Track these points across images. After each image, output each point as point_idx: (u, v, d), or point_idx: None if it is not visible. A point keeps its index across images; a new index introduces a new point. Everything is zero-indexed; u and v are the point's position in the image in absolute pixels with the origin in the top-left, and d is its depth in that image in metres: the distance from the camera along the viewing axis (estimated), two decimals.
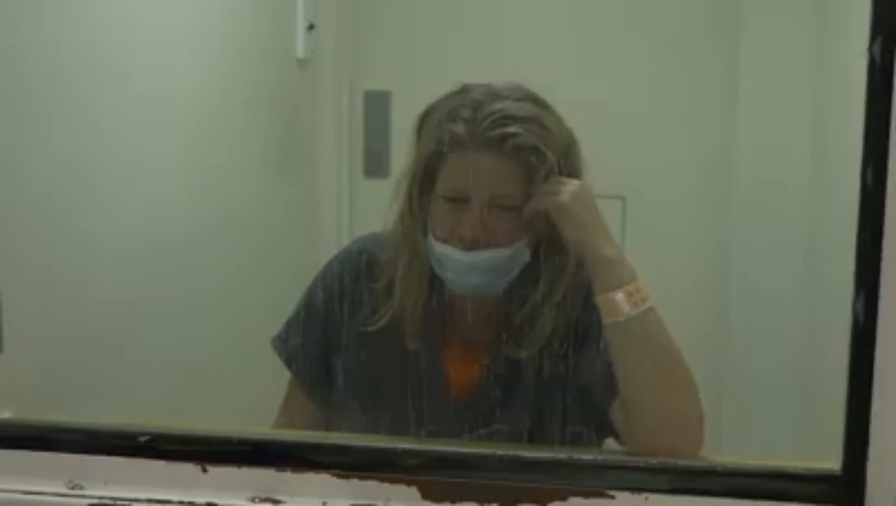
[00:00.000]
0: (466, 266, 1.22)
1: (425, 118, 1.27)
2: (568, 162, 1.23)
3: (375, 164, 2.72)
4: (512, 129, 1.19)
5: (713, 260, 2.71)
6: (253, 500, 0.91)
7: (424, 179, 1.25)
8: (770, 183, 2.61)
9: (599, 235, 1.15)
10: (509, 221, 1.21)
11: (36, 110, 1.55)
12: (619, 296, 1.10)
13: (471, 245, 1.21)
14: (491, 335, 1.30)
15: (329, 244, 2.57)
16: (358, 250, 1.36)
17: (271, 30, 2.52)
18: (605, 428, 1.23)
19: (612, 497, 0.87)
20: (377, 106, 2.72)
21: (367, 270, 1.32)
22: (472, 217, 1.20)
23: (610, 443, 1.25)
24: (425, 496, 0.90)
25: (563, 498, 0.88)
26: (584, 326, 1.24)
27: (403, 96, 2.69)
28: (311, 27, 2.59)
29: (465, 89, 1.25)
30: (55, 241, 1.60)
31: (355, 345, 1.32)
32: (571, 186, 1.19)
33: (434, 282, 1.28)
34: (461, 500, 0.89)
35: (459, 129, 1.20)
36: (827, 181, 2.43)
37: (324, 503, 0.90)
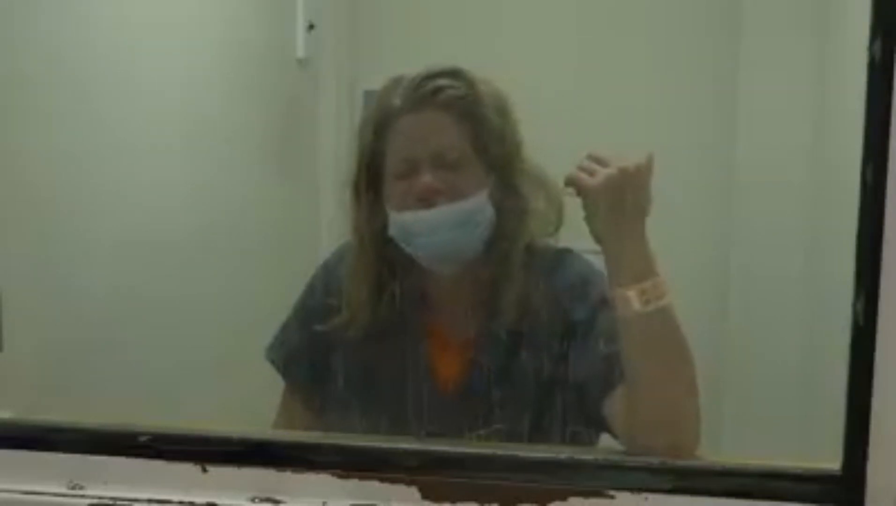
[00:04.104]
0: (430, 224, 1.22)
1: (362, 118, 1.31)
2: (505, 119, 1.25)
3: None
4: (441, 82, 1.22)
5: (713, 260, 2.71)
6: (253, 500, 0.91)
7: (371, 168, 1.27)
8: (770, 182, 2.61)
9: (625, 225, 1.10)
10: (463, 176, 1.22)
11: (36, 111, 1.55)
12: (632, 293, 1.09)
13: (431, 201, 1.21)
14: (470, 320, 1.30)
15: (329, 244, 2.57)
16: (342, 255, 1.36)
17: (271, 30, 2.52)
18: (599, 424, 1.22)
19: (612, 497, 0.87)
20: None
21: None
22: (424, 176, 1.21)
23: (609, 443, 1.25)
24: (425, 496, 0.90)
25: (563, 498, 0.88)
26: (574, 320, 1.23)
27: None
28: (311, 27, 2.59)
29: (395, 78, 1.28)
30: (55, 241, 1.60)
31: (344, 348, 1.32)
32: (608, 169, 1.10)
33: (408, 271, 1.28)
34: (461, 500, 0.89)
35: (393, 101, 1.24)
36: (827, 181, 2.43)
37: (324, 503, 0.90)
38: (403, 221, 1.24)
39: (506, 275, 1.26)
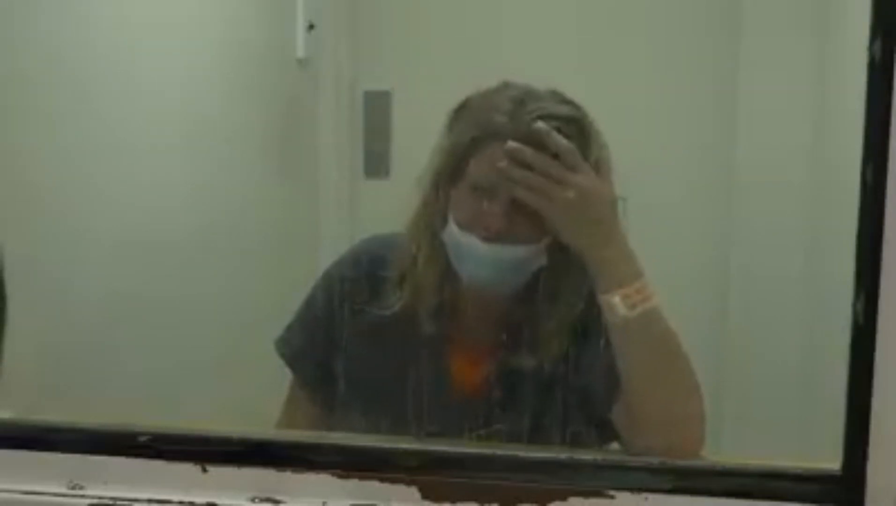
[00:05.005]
0: (485, 258, 1.20)
1: (461, 110, 1.26)
2: (599, 169, 1.21)
3: (375, 164, 2.71)
4: (553, 126, 1.17)
5: (713, 260, 2.71)
6: (253, 500, 0.91)
7: (455, 168, 1.23)
8: (770, 183, 2.61)
9: (599, 235, 1.13)
10: (532, 222, 1.19)
11: (36, 111, 1.55)
12: (616, 299, 1.09)
13: (493, 237, 1.19)
14: (499, 337, 1.29)
15: (329, 244, 2.57)
16: (363, 252, 1.36)
17: (271, 30, 2.52)
18: (607, 431, 1.22)
19: (612, 497, 0.87)
20: (377, 106, 2.72)
21: (371, 270, 1.32)
22: (499, 209, 1.18)
23: (612, 444, 1.25)
24: (425, 496, 0.90)
25: (563, 498, 0.88)
26: (586, 327, 1.23)
27: (403, 96, 2.69)
28: (311, 27, 2.59)
29: (505, 85, 1.24)
30: (54, 241, 1.60)
31: (358, 345, 1.32)
32: (572, 188, 1.13)
33: (448, 276, 1.27)
34: (461, 500, 0.89)
35: (501, 119, 1.19)
36: (827, 181, 2.43)
37: (324, 503, 0.90)
38: (459, 240, 1.22)
39: (538, 299, 1.26)
